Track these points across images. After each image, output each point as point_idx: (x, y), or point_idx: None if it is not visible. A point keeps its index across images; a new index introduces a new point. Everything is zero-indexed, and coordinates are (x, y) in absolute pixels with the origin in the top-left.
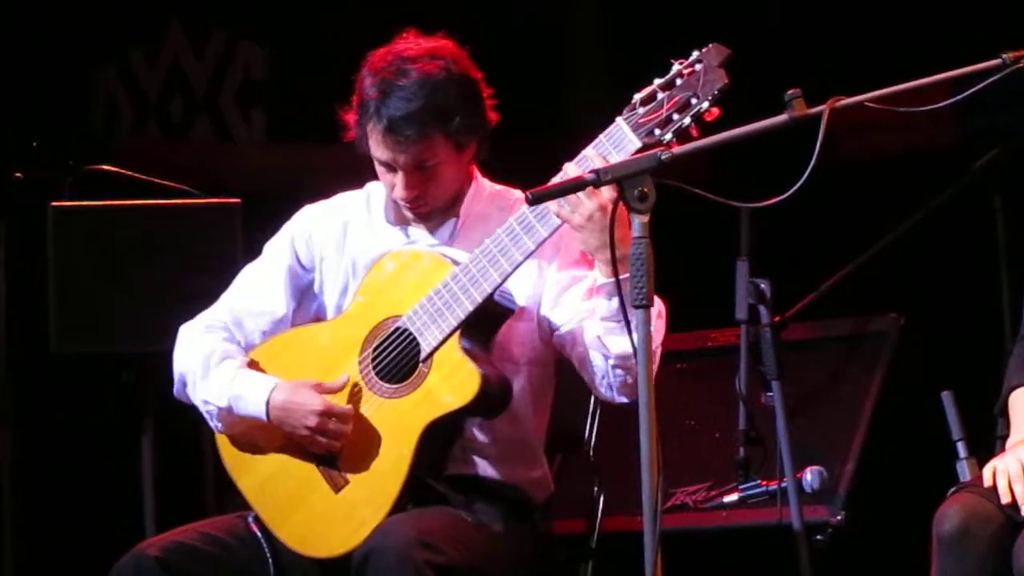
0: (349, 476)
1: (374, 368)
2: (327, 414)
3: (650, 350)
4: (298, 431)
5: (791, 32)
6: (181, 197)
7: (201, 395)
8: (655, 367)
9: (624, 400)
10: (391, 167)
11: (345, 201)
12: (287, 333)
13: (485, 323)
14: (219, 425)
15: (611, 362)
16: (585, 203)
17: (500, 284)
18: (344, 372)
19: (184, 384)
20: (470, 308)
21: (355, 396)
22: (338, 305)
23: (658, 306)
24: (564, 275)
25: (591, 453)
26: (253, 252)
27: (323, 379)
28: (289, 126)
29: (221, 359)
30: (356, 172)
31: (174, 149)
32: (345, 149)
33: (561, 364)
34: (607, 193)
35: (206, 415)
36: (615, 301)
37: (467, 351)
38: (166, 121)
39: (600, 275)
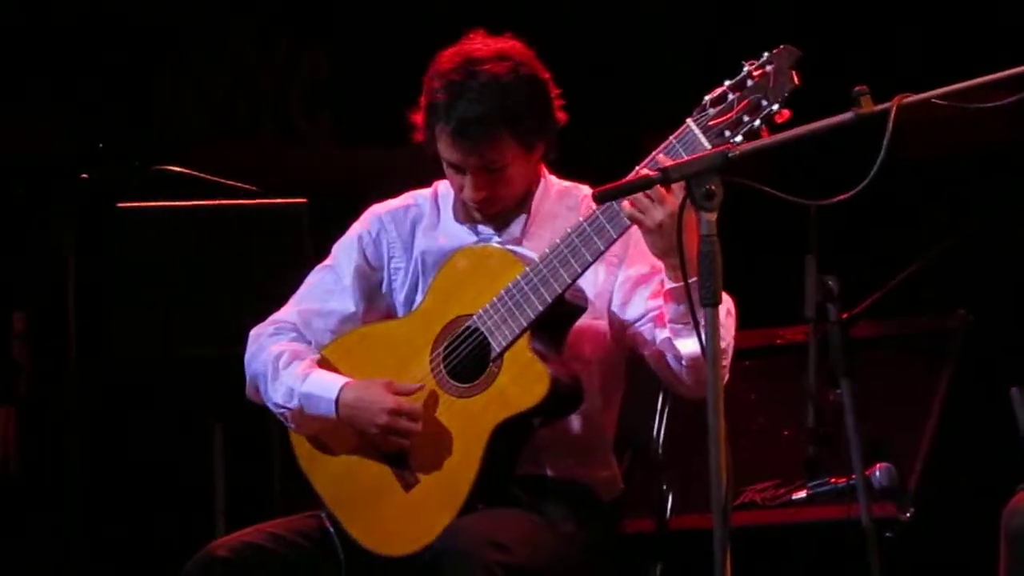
0: (420, 475)
1: (445, 366)
2: (397, 412)
3: (719, 348)
4: (368, 429)
5: (858, 29)
6: (248, 198)
7: (273, 397)
8: (726, 365)
9: (703, 395)
10: (460, 169)
11: (413, 199)
12: (358, 331)
13: (556, 322)
14: (293, 426)
15: (683, 363)
16: (655, 210)
17: (571, 285)
18: (416, 370)
19: (256, 388)
20: (540, 308)
21: (426, 395)
22: (408, 303)
23: (727, 304)
24: (634, 272)
25: (659, 451)
26: (321, 253)
27: (395, 377)
28: (356, 127)
29: (290, 360)
30: (424, 172)
31: (241, 150)
32: (412, 150)
33: (629, 361)
34: (677, 195)
35: (279, 417)
36: (683, 305)
37: (537, 351)
38: (232, 122)
39: (668, 279)
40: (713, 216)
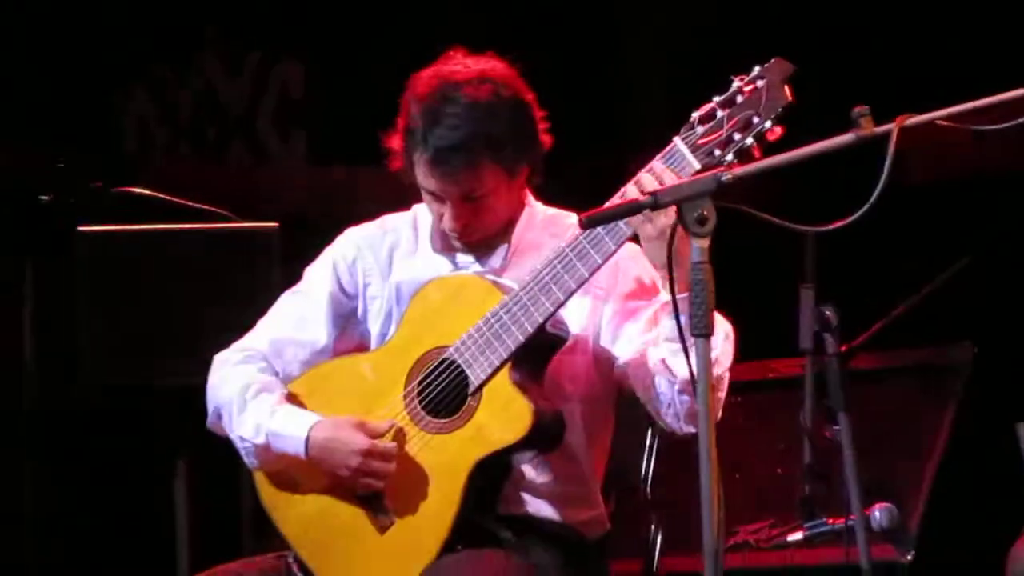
0: (395, 517)
1: (420, 402)
2: (370, 454)
3: (711, 378)
4: (340, 471)
5: (859, 46)
6: (216, 221)
7: (237, 430)
8: (722, 394)
9: (691, 430)
10: (439, 198)
11: (391, 224)
12: (328, 364)
13: (537, 354)
14: (256, 462)
15: (677, 387)
16: (659, 216)
17: (553, 313)
18: (389, 405)
19: (219, 417)
20: (521, 338)
21: (401, 432)
22: (382, 333)
23: (726, 328)
24: (623, 306)
25: (648, 490)
26: (292, 279)
27: (366, 413)
28: (330, 147)
29: (258, 392)
30: (401, 195)
31: (209, 171)
32: (390, 173)
33: (620, 400)
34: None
35: (242, 452)
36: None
37: (518, 384)
38: (200, 141)
39: (666, 291)
40: (706, 243)
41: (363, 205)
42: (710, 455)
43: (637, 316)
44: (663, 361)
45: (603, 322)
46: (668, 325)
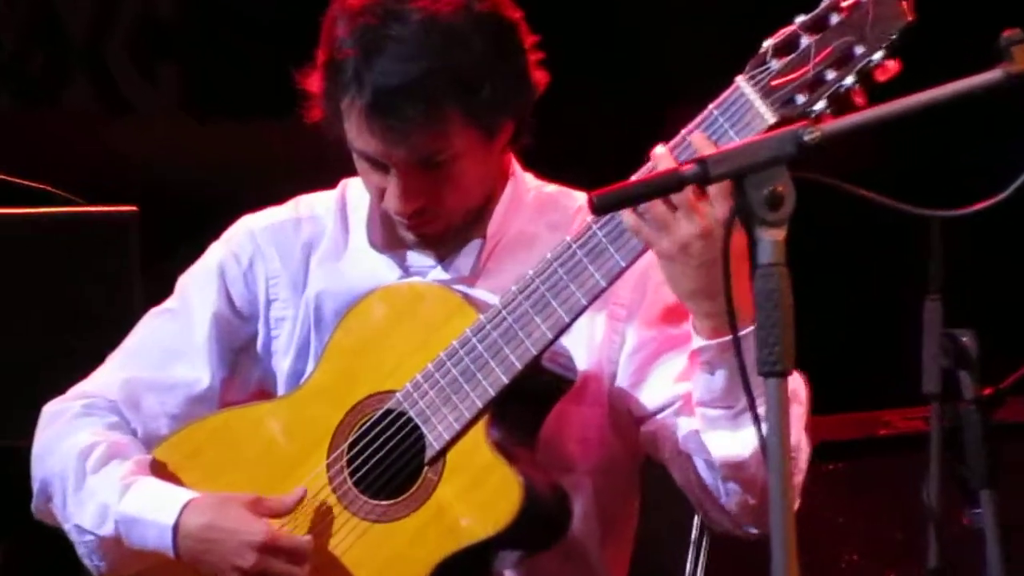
0: None
1: (352, 474)
2: (272, 549)
3: (787, 445)
4: (227, 575)
5: None
6: (49, 203)
7: (73, 518)
8: (800, 477)
9: (752, 531)
10: (380, 164)
11: (307, 208)
12: (213, 419)
13: (529, 403)
14: (102, 565)
15: (718, 473)
16: (680, 223)
17: (552, 342)
18: (306, 479)
19: (48, 497)
20: (505, 380)
21: (322, 519)
22: (295, 372)
23: (793, 383)
24: (653, 334)
25: None
26: (158, 290)
27: (270, 492)
28: (215, 91)
29: (104, 459)
30: (321, 163)
31: (34, 123)
32: (305, 128)
33: (648, 469)
34: (718, 206)
35: (82, 550)
36: (721, 376)
37: (500, 447)
38: (21, 79)
39: (697, 334)
40: (781, 235)
41: (264, 177)
42: (787, 558)
43: (673, 352)
44: (696, 433)
45: (623, 357)
46: (702, 382)
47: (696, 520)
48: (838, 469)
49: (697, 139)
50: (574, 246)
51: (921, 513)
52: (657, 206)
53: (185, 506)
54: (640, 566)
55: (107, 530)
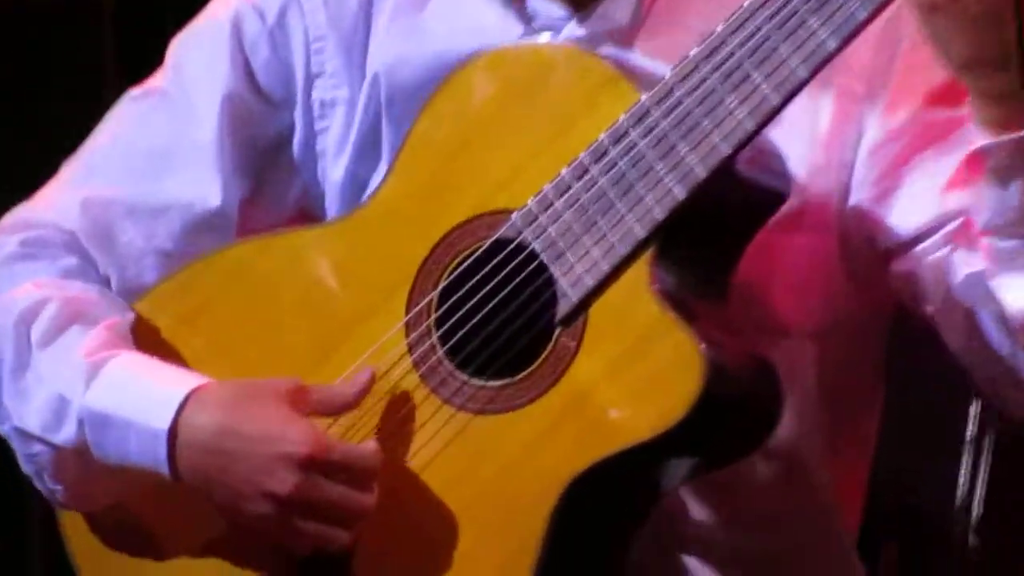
0: None
1: (443, 341)
2: (320, 464)
3: None
4: (251, 506)
5: None
6: None
7: (15, 417)
8: None
9: None
10: None
11: None
12: (226, 256)
13: (716, 232)
14: (58, 489)
15: (1016, 334)
16: None
17: (753, 135)
18: (371, 348)
19: None
20: (680, 195)
21: (396, 412)
22: (352, 185)
23: None
24: (908, 121)
25: (972, 539)
26: (140, 65)
27: (316, 368)
28: None
29: (60, 328)
30: None
31: None
32: None
33: (901, 340)
34: None
35: (27, 463)
36: (1018, 189)
37: (671, 298)
38: None
39: (979, 128)
40: None
41: None
42: None
43: (940, 149)
44: (981, 275)
45: (861, 156)
46: (991, 198)
47: (973, 407)
48: None
49: None
50: None
51: None
52: None
53: (187, 398)
54: (886, 478)
55: (66, 435)
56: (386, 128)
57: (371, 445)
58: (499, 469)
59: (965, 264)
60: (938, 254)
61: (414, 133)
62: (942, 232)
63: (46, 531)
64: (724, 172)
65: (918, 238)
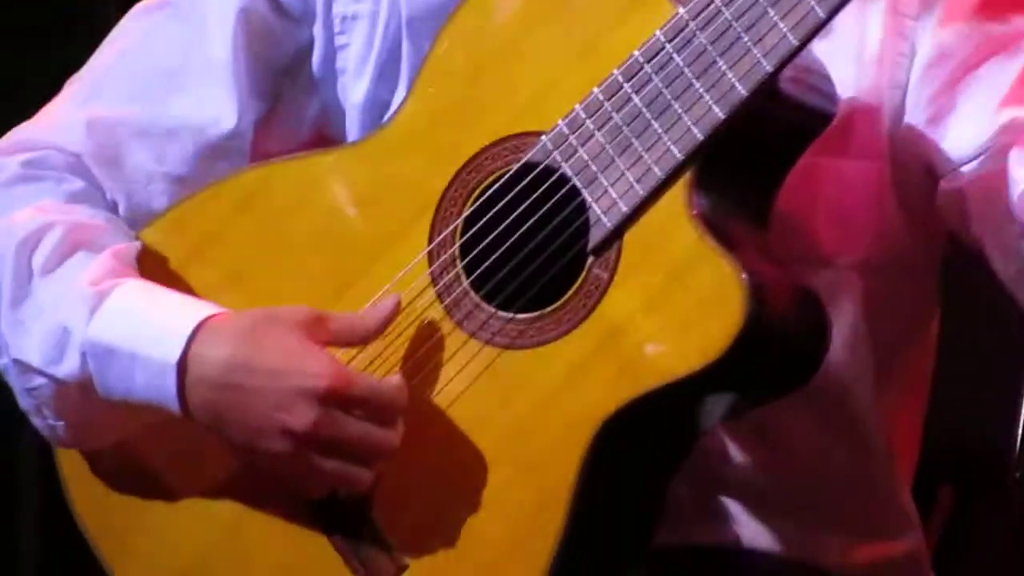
0: (407, 556)
1: (468, 272)
2: (341, 399)
3: None
4: (266, 444)
5: None
6: None
7: (11, 347)
8: None
9: None
10: None
11: None
12: (239, 180)
13: (758, 154)
14: (59, 425)
15: None
16: None
17: (798, 51)
18: (390, 275)
19: None
20: (720, 115)
21: (420, 345)
22: (373, 106)
23: None
24: (962, 35)
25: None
26: None
27: (336, 297)
28: None
29: (64, 254)
30: None
31: None
32: None
33: (956, 273)
34: None
35: (25, 398)
36: None
37: (710, 225)
38: None
39: None
40: None
41: None
42: None
43: (997, 61)
44: None
45: (915, 74)
46: None
47: None
48: None
49: None
50: None
51: None
52: None
53: (197, 328)
54: (941, 419)
55: (67, 368)
56: (407, 47)
57: (396, 379)
58: (530, 406)
59: (1021, 181)
60: (991, 169)
61: (434, 53)
62: (996, 147)
63: (40, 529)
64: (766, 91)
65: (971, 157)
